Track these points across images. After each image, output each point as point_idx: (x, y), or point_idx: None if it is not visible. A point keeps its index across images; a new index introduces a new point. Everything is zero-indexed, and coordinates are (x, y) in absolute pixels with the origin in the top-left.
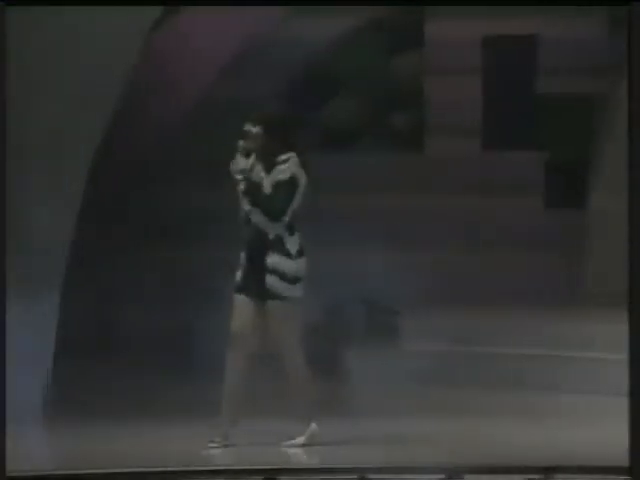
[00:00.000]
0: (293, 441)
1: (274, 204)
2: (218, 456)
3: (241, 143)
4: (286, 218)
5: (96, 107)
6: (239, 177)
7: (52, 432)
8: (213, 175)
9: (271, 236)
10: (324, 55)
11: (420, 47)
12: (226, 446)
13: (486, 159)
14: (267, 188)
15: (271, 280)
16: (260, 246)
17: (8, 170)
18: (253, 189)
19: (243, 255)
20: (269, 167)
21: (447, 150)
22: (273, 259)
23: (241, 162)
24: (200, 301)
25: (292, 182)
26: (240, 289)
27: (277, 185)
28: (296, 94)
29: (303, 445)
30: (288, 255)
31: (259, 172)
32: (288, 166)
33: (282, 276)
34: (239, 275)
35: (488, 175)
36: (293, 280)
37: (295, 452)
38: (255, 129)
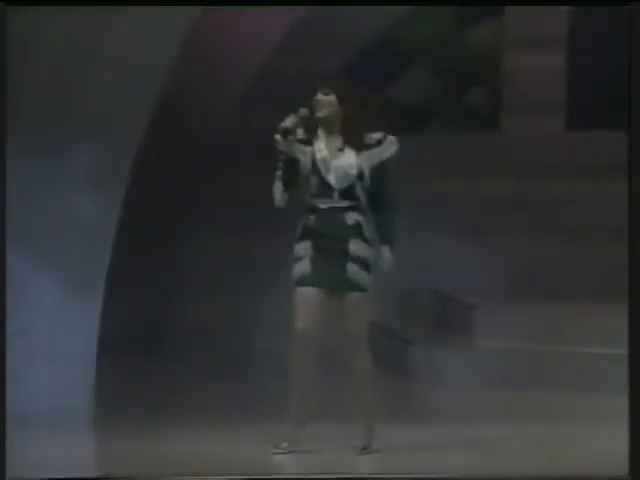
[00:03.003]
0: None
1: (388, 190)
2: (283, 463)
3: (303, 112)
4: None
5: (143, 92)
6: (278, 137)
7: (100, 436)
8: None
9: (350, 222)
10: (391, 28)
11: (498, 18)
12: (289, 452)
13: (569, 139)
14: (366, 172)
15: (353, 269)
16: (337, 233)
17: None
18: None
19: (308, 244)
20: (358, 147)
21: (527, 130)
22: (355, 246)
23: (287, 121)
24: (257, 296)
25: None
26: (307, 281)
27: (381, 168)
28: (363, 71)
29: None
30: (367, 242)
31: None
32: (387, 147)
33: (363, 264)
34: (306, 266)
35: (571, 157)
36: (370, 270)
37: (360, 459)
38: (327, 97)
